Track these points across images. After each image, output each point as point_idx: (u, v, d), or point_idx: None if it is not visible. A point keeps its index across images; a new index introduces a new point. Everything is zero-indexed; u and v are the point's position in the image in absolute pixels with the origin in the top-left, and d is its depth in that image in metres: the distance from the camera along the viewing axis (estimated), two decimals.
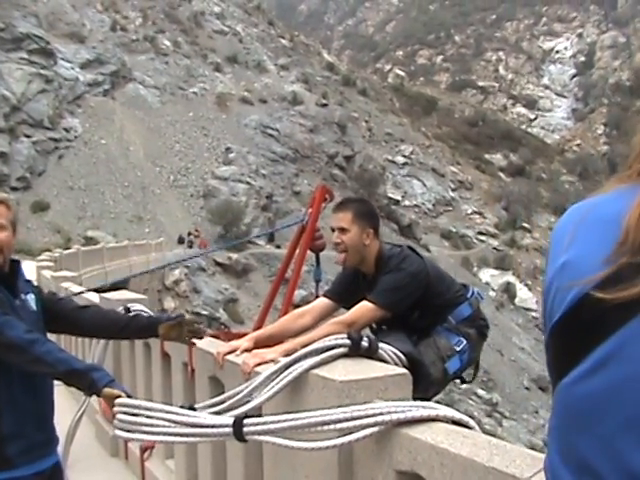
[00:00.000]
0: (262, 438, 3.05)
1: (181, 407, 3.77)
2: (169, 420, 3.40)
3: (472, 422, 2.74)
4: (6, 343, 3.49)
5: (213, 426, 3.23)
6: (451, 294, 4.79)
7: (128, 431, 3.59)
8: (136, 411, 3.53)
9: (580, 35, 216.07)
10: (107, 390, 3.58)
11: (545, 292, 1.36)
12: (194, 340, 4.45)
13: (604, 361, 1.18)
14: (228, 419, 3.16)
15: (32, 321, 3.84)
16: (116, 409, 3.57)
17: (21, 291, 3.90)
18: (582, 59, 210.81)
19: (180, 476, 5.80)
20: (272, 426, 2.96)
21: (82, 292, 9.59)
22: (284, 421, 2.91)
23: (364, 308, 4.44)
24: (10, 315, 3.63)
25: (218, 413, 3.64)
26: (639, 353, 1.14)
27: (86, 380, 3.60)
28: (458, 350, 4.63)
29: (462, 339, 4.66)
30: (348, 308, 4.61)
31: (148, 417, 3.48)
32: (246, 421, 3.05)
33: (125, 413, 3.55)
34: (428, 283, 4.64)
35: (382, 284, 4.56)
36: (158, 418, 3.45)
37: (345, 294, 4.87)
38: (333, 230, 4.72)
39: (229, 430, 3.11)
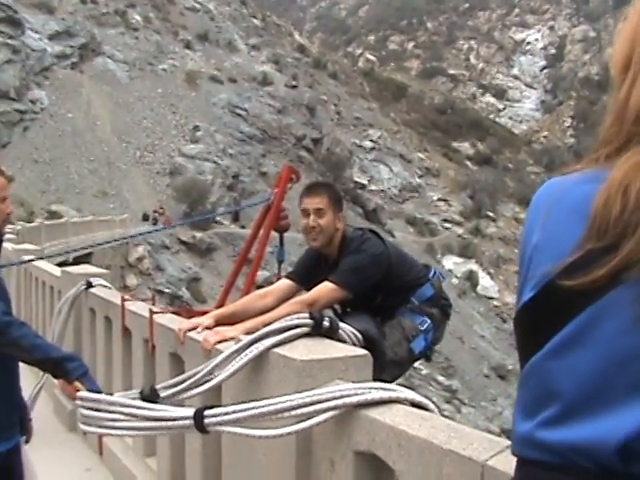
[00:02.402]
0: (223, 429, 3.06)
1: (141, 392, 3.78)
2: (129, 414, 3.41)
3: (431, 405, 2.76)
4: None
5: (174, 419, 3.24)
6: (413, 276, 4.87)
7: (91, 426, 3.60)
8: (97, 406, 3.54)
9: (551, 28, 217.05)
10: (76, 384, 3.57)
11: (520, 265, 1.43)
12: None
13: (570, 341, 1.27)
14: (189, 411, 3.18)
15: (6, 300, 3.79)
16: (78, 403, 3.59)
17: None
18: (552, 51, 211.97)
19: (138, 452, 5.79)
20: (233, 416, 2.96)
21: (34, 260, 9.51)
22: (245, 410, 2.92)
23: (325, 288, 4.47)
24: None
25: (179, 393, 3.65)
26: (601, 334, 1.23)
27: (61, 369, 3.59)
28: (422, 329, 4.73)
29: (426, 319, 4.76)
30: (310, 290, 4.63)
31: (110, 412, 3.49)
32: (207, 412, 3.06)
33: (87, 408, 3.56)
34: (390, 265, 4.70)
35: (343, 265, 4.62)
36: (119, 412, 3.46)
37: (307, 276, 4.91)
38: (307, 213, 4.72)
39: (190, 422, 3.12)
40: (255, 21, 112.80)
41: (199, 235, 55.05)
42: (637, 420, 1.20)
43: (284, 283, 4.96)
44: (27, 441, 3.97)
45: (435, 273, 5.04)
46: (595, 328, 1.24)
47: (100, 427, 3.59)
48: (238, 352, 3.36)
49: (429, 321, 4.77)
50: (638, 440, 1.19)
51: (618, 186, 1.25)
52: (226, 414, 2.99)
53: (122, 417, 3.45)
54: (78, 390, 3.59)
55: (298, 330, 3.34)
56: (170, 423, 3.27)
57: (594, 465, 1.23)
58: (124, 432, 3.56)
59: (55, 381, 7.61)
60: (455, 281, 75.23)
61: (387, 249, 4.76)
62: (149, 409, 3.39)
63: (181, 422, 3.20)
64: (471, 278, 79.57)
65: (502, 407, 55.15)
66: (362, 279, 4.57)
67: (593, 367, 1.24)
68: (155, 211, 57.06)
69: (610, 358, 1.23)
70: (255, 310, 4.54)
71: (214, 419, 3.04)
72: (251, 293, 5.46)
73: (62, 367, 3.58)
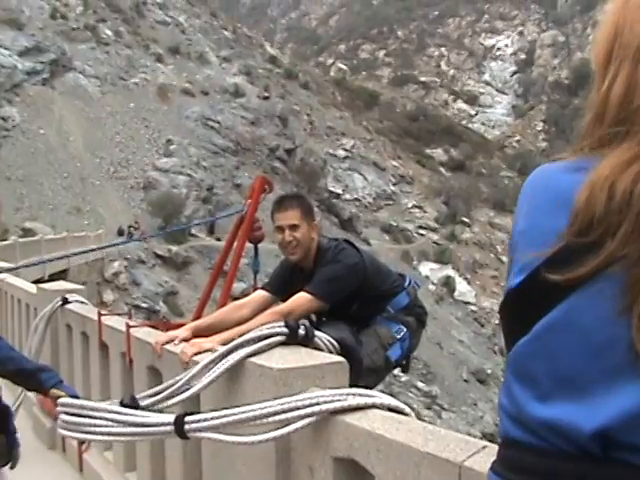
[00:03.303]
0: (203, 435, 3.08)
1: (122, 401, 3.77)
2: (111, 420, 3.41)
3: (408, 409, 2.77)
4: None
5: (155, 425, 3.25)
6: (388, 285, 4.89)
7: (72, 431, 3.58)
8: (78, 411, 3.53)
9: (521, 33, 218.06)
10: (54, 391, 3.55)
11: (509, 250, 1.48)
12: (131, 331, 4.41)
13: (552, 327, 1.30)
14: (170, 417, 3.18)
15: None
16: (59, 409, 3.57)
17: None
18: (522, 57, 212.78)
19: (118, 467, 5.77)
20: (212, 422, 2.98)
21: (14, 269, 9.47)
22: (224, 417, 2.93)
23: (301, 299, 4.49)
24: None
25: (158, 402, 3.65)
26: (583, 322, 1.27)
27: (35, 380, 3.57)
28: (399, 338, 4.76)
29: (402, 327, 4.79)
30: (285, 301, 4.64)
31: (91, 417, 3.48)
32: (187, 419, 3.07)
33: (67, 413, 3.54)
34: (365, 275, 4.72)
35: (319, 275, 4.63)
36: (100, 418, 3.45)
37: (283, 287, 4.92)
38: (281, 229, 4.74)
39: (171, 428, 3.12)
40: (226, 33, 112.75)
41: (175, 249, 54.89)
42: (616, 408, 1.22)
43: (260, 294, 4.97)
44: (12, 467, 3.86)
45: (410, 282, 5.08)
46: (577, 316, 1.28)
47: (81, 432, 3.57)
48: (214, 362, 3.37)
49: (405, 329, 4.81)
50: (616, 429, 1.22)
51: (603, 184, 1.27)
52: (206, 420, 3.02)
53: (104, 422, 3.44)
54: (59, 397, 3.58)
55: (274, 339, 3.35)
56: (151, 429, 3.28)
57: (574, 449, 1.26)
58: (105, 437, 3.54)
59: (34, 399, 7.59)
60: (432, 287, 75.39)
61: (363, 259, 4.79)
62: (131, 415, 3.40)
63: (162, 428, 3.20)
64: (448, 284, 79.69)
65: (483, 411, 55.27)
66: (338, 289, 4.60)
67: (571, 352, 1.28)
68: (130, 226, 56.80)
69: (590, 345, 1.26)
70: (231, 321, 4.54)
71: (194, 425, 3.05)
72: (227, 305, 5.46)
73: (36, 378, 3.57)
